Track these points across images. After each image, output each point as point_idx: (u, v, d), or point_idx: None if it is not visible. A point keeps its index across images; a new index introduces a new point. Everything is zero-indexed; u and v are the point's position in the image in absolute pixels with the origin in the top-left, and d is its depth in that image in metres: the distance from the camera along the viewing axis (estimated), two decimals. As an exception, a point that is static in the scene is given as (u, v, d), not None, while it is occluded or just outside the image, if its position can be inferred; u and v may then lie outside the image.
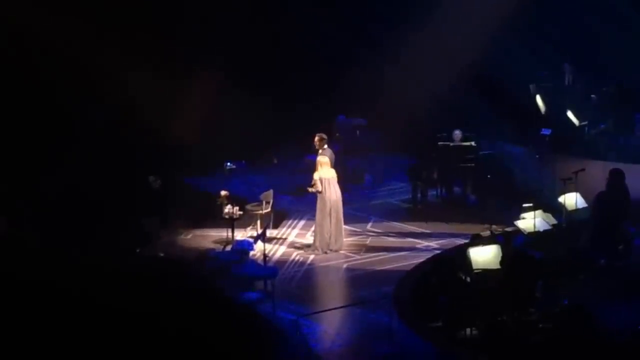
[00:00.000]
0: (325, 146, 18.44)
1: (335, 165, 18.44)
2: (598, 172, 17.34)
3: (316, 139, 18.46)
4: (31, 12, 20.22)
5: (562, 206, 16.79)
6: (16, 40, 20.05)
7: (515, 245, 15.15)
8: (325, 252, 18.07)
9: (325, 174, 18.15)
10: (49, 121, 20.24)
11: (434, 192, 20.97)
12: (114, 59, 20.63)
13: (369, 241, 18.76)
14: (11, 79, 20.19)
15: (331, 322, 14.79)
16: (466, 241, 15.85)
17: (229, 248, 17.74)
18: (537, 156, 20.37)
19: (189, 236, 18.96)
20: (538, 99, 21.51)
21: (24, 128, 20.05)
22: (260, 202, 19.04)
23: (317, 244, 18.16)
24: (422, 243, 18.40)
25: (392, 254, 17.92)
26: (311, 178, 18.28)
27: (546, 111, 21.44)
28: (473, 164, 20.43)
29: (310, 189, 18.26)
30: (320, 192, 18.10)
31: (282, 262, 17.70)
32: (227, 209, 18.36)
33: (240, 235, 18.49)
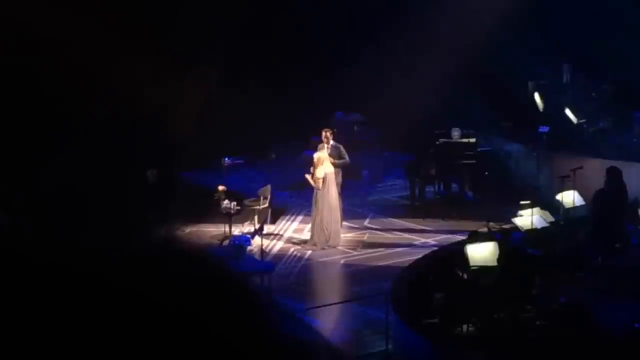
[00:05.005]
0: (332, 141, 18.64)
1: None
2: (596, 169, 17.35)
3: (327, 134, 18.63)
4: (28, 7, 20.18)
5: (559, 204, 16.80)
6: (13, 36, 20.01)
7: (513, 243, 15.15)
8: (323, 248, 18.07)
9: (328, 170, 18.16)
10: (46, 117, 20.21)
11: (432, 189, 20.96)
12: (111, 53, 20.60)
13: (366, 237, 18.76)
14: (9, 77, 20.15)
15: (328, 318, 14.80)
16: (463, 238, 15.86)
17: (226, 243, 17.73)
18: (534, 154, 20.37)
19: (187, 231, 18.95)
20: (536, 96, 21.50)
21: (21, 125, 20.01)
22: (258, 197, 19.03)
23: (315, 239, 18.16)
24: (420, 239, 18.41)
25: (389, 250, 17.92)
26: (309, 173, 18.29)
27: (544, 108, 21.44)
28: (473, 161, 20.42)
29: (310, 181, 18.21)
30: (319, 189, 18.10)
31: (279, 258, 17.70)
32: (225, 204, 18.35)
33: (237, 230, 18.49)
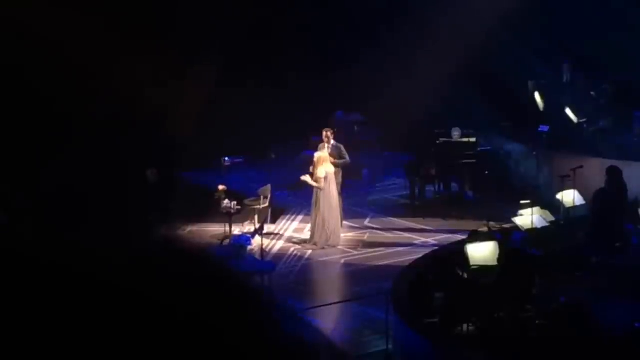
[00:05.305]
0: (332, 141, 18.68)
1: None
2: (596, 169, 17.36)
3: (328, 133, 18.67)
4: (27, 7, 20.17)
5: (560, 203, 16.80)
6: (13, 36, 20.01)
7: (513, 242, 15.15)
8: (323, 248, 18.07)
9: (329, 169, 18.18)
10: (46, 117, 20.22)
11: (432, 189, 20.96)
12: (111, 53, 20.60)
13: (366, 237, 18.76)
14: (8, 75, 20.16)
15: (328, 317, 14.80)
16: (464, 237, 15.86)
17: (226, 243, 17.74)
18: (535, 153, 20.37)
19: (187, 231, 18.95)
20: (536, 95, 21.50)
21: (22, 123, 20.02)
22: (258, 197, 19.04)
23: (315, 239, 18.16)
24: (420, 239, 18.41)
25: (389, 250, 17.93)
26: (309, 172, 18.29)
27: (544, 108, 21.44)
28: (474, 160, 20.42)
29: (310, 182, 18.20)
30: (322, 189, 18.09)
31: (279, 257, 17.70)
32: (225, 203, 18.36)
33: (238, 230, 18.49)
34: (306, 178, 18.27)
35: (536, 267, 14.25)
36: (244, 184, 20.67)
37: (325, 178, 18.10)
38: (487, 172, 20.39)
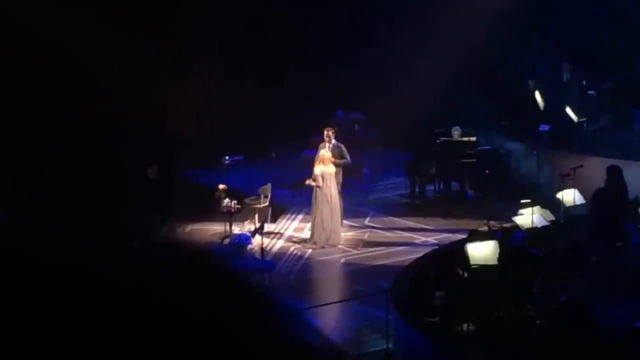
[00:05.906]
0: (334, 141, 18.68)
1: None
2: (596, 168, 17.36)
3: (329, 132, 18.68)
4: (29, 5, 20.19)
5: (560, 202, 16.80)
6: (14, 33, 20.02)
7: (513, 241, 15.15)
8: (323, 247, 18.07)
9: (327, 169, 18.18)
10: (48, 114, 20.23)
11: (432, 188, 20.96)
12: (112, 51, 20.62)
13: (366, 236, 18.76)
14: (10, 73, 20.17)
15: (328, 316, 14.80)
16: (464, 236, 15.86)
17: (226, 242, 17.74)
18: (535, 152, 20.38)
19: (187, 230, 18.95)
20: (537, 95, 21.50)
21: (23, 122, 20.03)
22: (259, 196, 19.04)
23: (315, 238, 18.17)
24: (420, 238, 18.41)
25: (389, 249, 17.93)
26: (310, 172, 18.30)
27: (545, 107, 21.45)
28: (474, 160, 20.42)
29: (311, 183, 18.23)
30: (319, 187, 18.09)
31: (279, 256, 17.71)
32: (225, 202, 18.36)
33: (238, 229, 18.49)
34: (309, 181, 18.30)
35: (536, 267, 14.25)
36: (244, 183, 20.66)
37: (322, 177, 18.11)
38: (487, 171, 20.39)
